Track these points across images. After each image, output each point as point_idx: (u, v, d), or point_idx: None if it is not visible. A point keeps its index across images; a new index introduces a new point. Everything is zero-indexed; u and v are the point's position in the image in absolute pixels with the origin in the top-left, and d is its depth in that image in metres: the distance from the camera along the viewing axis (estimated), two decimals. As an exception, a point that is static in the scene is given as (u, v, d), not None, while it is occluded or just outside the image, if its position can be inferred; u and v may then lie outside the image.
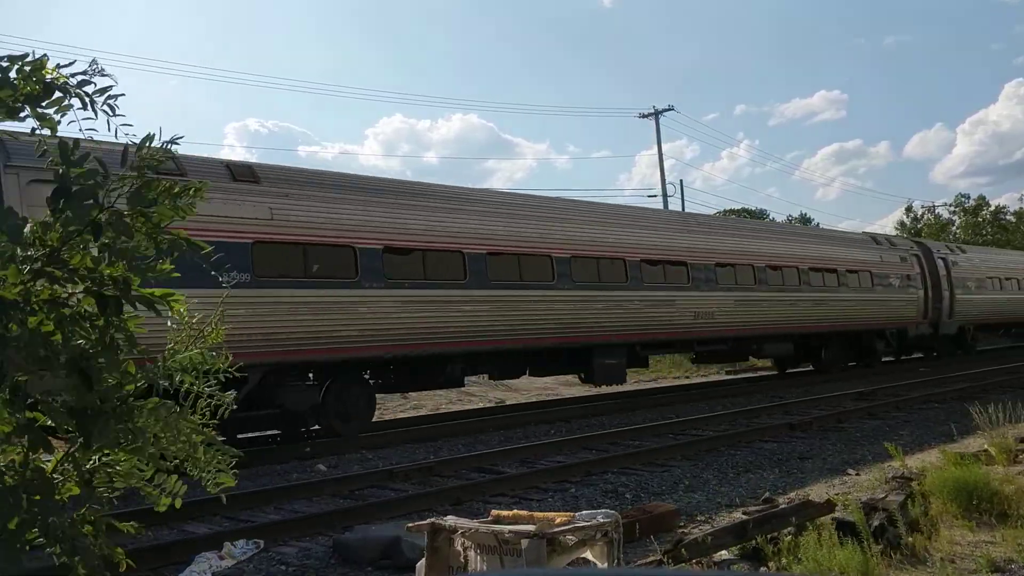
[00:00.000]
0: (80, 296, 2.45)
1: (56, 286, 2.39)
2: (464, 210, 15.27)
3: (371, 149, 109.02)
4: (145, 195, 2.47)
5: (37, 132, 2.53)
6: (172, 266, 2.59)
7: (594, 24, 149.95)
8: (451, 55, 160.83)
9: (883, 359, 27.36)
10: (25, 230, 2.34)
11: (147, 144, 2.53)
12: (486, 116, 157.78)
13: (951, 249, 31.21)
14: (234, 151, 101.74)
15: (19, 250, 2.33)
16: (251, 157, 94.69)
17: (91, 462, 2.58)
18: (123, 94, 2.59)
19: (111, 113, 2.55)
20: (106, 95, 2.55)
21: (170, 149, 2.59)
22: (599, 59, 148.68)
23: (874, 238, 28.07)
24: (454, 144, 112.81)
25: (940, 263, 28.80)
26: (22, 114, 2.50)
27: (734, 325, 20.26)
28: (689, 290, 19.11)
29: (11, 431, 2.33)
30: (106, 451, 2.56)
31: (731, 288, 20.25)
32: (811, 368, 25.06)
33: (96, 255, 2.43)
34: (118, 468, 2.61)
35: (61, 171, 2.38)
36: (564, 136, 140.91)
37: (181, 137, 2.61)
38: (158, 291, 2.57)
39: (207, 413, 2.77)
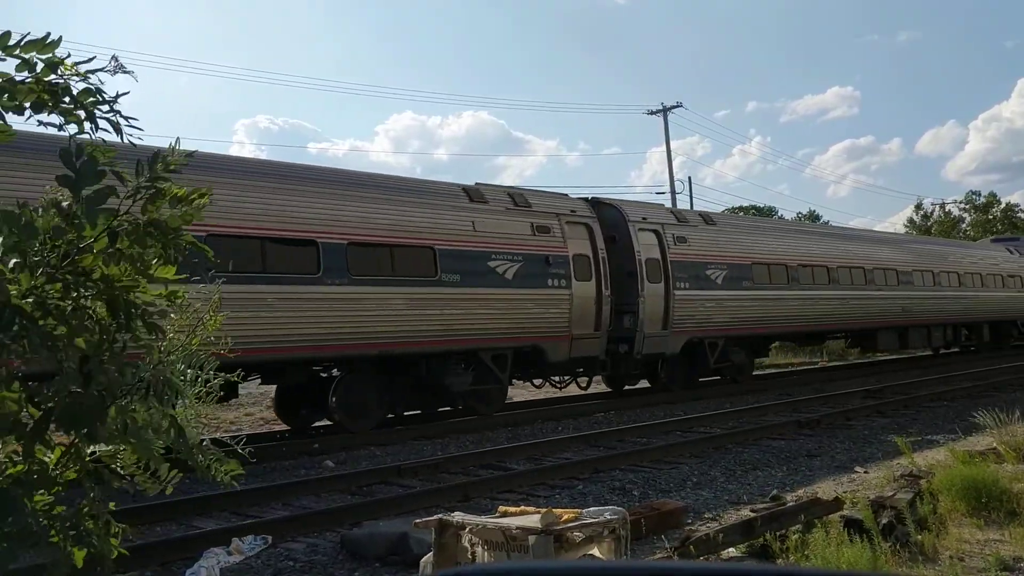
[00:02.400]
0: (89, 300, 2.44)
1: (69, 291, 2.38)
2: None
3: (381, 146, 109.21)
4: (159, 204, 2.47)
5: (63, 127, 2.51)
6: (174, 269, 2.58)
7: (606, 21, 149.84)
8: (462, 52, 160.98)
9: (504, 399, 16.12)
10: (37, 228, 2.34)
11: (163, 156, 2.52)
12: (497, 113, 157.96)
13: (679, 218, 19.44)
14: (244, 148, 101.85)
15: (31, 254, 2.33)
16: (261, 154, 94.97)
17: (91, 456, 2.58)
18: (135, 119, 2.54)
19: (116, 130, 2.52)
20: (112, 109, 2.52)
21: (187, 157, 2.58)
22: (611, 56, 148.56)
23: (470, 192, 15.40)
24: (464, 141, 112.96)
25: (647, 239, 17.75)
26: (45, 111, 2.48)
27: None
28: None
29: (13, 422, 2.33)
30: (106, 445, 2.57)
31: None
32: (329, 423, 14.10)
33: (108, 261, 2.42)
34: (118, 462, 2.62)
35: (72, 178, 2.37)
36: (575, 133, 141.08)
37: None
38: (163, 291, 2.58)
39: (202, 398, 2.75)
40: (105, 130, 2.51)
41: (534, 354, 15.56)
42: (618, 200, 18.67)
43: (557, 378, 17.70)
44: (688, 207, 39.03)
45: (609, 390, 19.60)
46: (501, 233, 15.12)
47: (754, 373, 22.16)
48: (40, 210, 2.39)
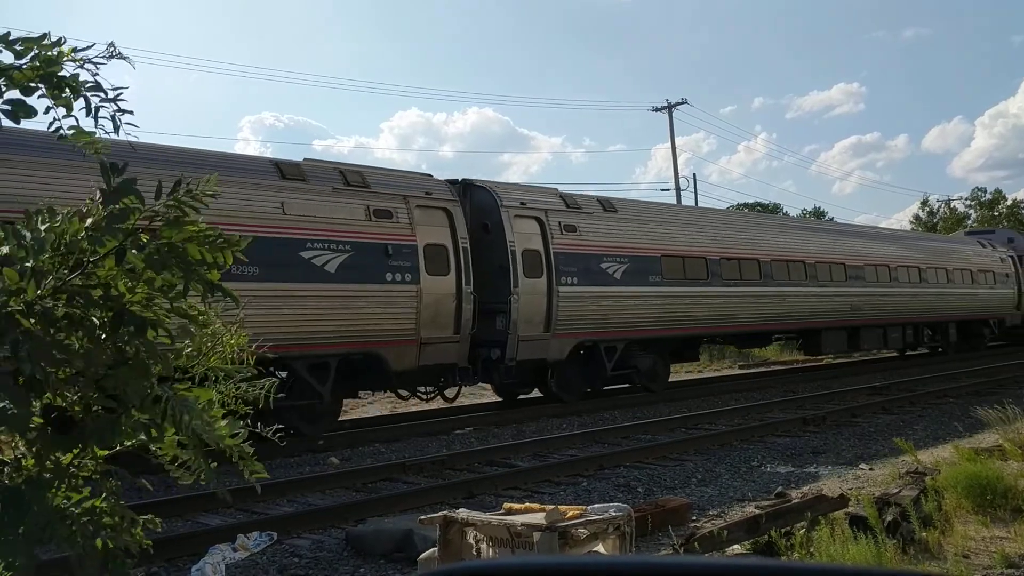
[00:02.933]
0: (96, 312, 2.42)
1: (75, 301, 2.37)
2: None
3: (386, 143, 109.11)
4: (174, 232, 2.43)
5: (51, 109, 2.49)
6: (193, 301, 2.56)
7: (612, 18, 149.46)
8: (467, 49, 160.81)
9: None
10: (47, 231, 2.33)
11: (182, 186, 2.48)
12: (502, 110, 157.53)
13: (569, 204, 16.62)
14: (249, 145, 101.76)
15: (42, 258, 2.32)
16: (266, 151, 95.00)
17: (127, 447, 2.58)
18: (131, 111, 2.51)
19: (117, 121, 2.51)
20: (115, 97, 2.50)
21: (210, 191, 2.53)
22: (616, 53, 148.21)
23: (283, 168, 12.76)
24: (470, 137, 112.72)
25: (526, 227, 15.38)
26: (36, 94, 2.47)
27: None
28: None
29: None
30: (128, 442, 2.56)
31: None
32: None
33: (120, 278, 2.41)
34: (155, 452, 2.61)
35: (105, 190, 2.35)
36: (580, 130, 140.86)
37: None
38: (186, 305, 2.58)
39: (239, 402, 2.72)
40: (104, 117, 2.49)
41: (371, 362, 13.09)
42: (492, 182, 16.12)
43: (424, 389, 15.07)
44: (693, 203, 38.65)
45: (500, 399, 17.38)
46: (322, 217, 12.45)
47: (754, 371, 21.44)
48: (53, 216, 2.37)
